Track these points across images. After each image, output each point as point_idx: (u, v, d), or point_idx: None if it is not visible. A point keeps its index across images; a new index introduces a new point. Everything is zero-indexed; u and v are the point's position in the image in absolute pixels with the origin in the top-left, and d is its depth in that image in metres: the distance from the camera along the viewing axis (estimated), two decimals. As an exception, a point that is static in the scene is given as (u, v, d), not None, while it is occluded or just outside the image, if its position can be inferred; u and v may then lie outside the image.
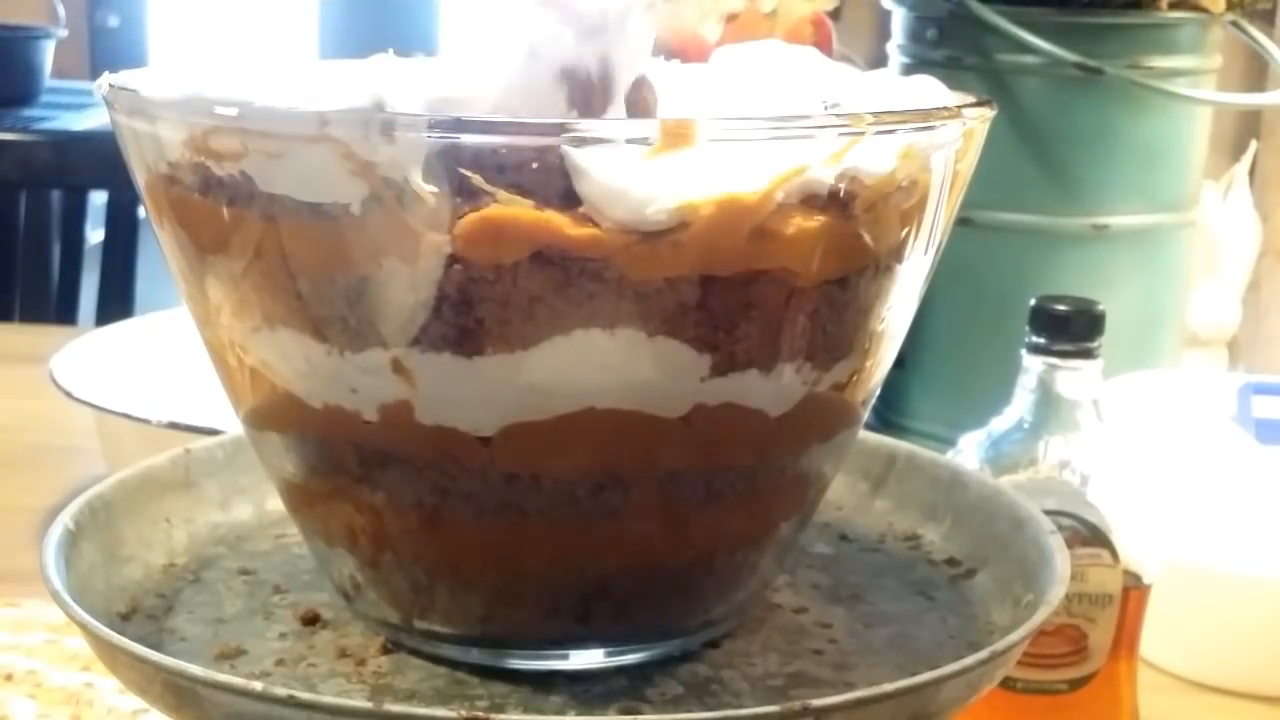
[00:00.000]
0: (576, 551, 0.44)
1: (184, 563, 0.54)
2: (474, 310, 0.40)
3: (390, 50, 0.54)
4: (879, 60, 1.15)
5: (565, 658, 0.46)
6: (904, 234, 0.44)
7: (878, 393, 0.49)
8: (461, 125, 0.39)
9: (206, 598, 0.51)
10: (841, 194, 0.41)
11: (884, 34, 1.12)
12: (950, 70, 1.00)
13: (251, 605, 0.51)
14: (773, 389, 0.43)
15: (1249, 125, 1.49)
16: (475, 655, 0.46)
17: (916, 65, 1.04)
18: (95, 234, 1.74)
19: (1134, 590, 0.68)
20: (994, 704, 0.59)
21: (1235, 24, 1.04)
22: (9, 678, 0.71)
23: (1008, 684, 0.67)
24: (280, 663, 0.47)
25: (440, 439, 0.42)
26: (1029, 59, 0.98)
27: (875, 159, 0.41)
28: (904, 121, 0.42)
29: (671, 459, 0.43)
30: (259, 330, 0.43)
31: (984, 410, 0.70)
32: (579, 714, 0.44)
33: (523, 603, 0.45)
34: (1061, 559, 0.49)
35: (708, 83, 0.52)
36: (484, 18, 0.43)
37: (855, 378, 0.46)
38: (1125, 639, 0.68)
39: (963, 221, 0.53)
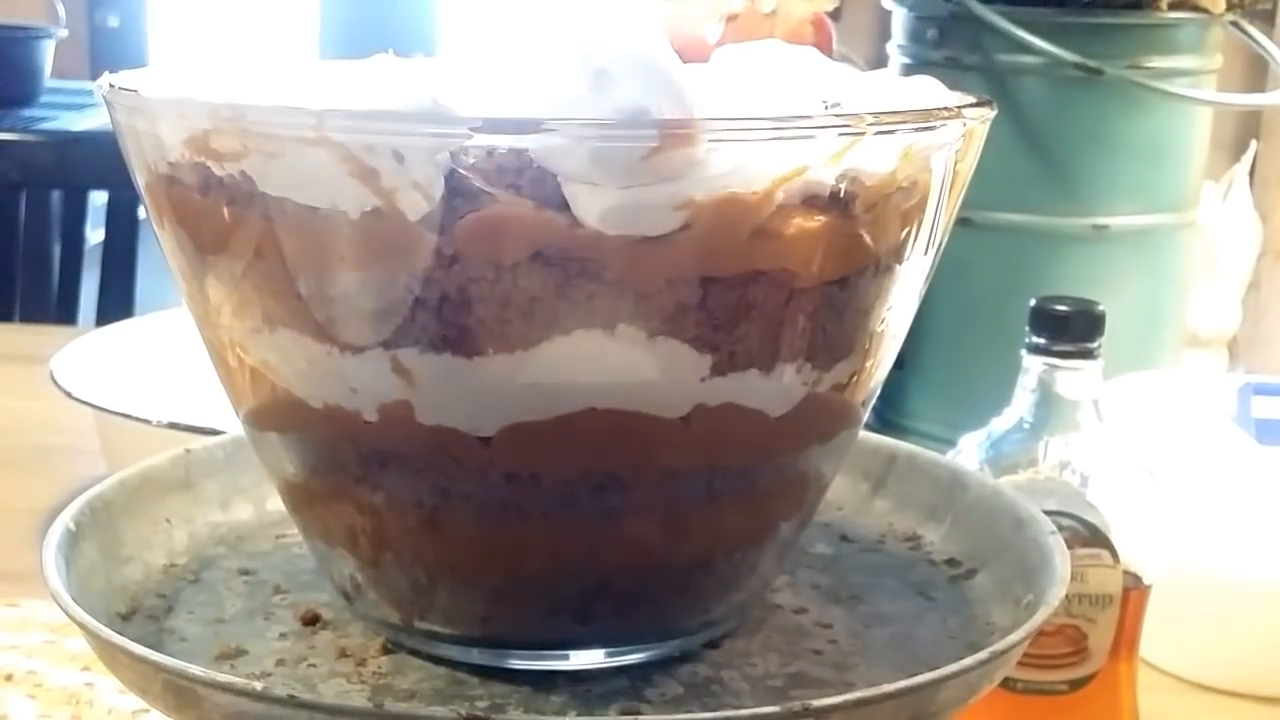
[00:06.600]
0: (576, 551, 0.44)
1: (184, 563, 0.54)
2: (474, 310, 0.40)
3: (390, 50, 0.54)
4: (879, 60, 1.15)
5: (565, 658, 0.46)
6: (904, 234, 0.44)
7: (878, 393, 0.49)
8: (472, 125, 0.38)
9: (206, 598, 0.51)
10: (842, 194, 0.41)
11: (884, 34, 1.12)
12: (950, 70, 1.00)
13: (252, 605, 0.51)
14: (773, 389, 0.43)
15: (1249, 125, 1.49)
16: (475, 655, 0.46)
17: (916, 65, 1.04)
18: (95, 234, 1.74)
19: (1134, 591, 0.68)
20: (994, 704, 0.59)
21: (1235, 24, 1.04)
22: (9, 678, 0.71)
23: (1008, 684, 0.67)
24: (280, 663, 0.47)
25: (440, 439, 0.42)
26: (1029, 59, 0.98)
27: (875, 159, 0.41)
28: (904, 122, 0.42)
29: (671, 459, 0.43)
30: (259, 330, 0.43)
31: (984, 410, 0.70)
32: (579, 714, 0.44)
33: (523, 603, 0.45)
34: (1061, 559, 0.49)
35: (708, 83, 0.52)
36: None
37: (855, 378, 0.46)
38: (1125, 639, 0.68)
39: (963, 221, 0.53)
